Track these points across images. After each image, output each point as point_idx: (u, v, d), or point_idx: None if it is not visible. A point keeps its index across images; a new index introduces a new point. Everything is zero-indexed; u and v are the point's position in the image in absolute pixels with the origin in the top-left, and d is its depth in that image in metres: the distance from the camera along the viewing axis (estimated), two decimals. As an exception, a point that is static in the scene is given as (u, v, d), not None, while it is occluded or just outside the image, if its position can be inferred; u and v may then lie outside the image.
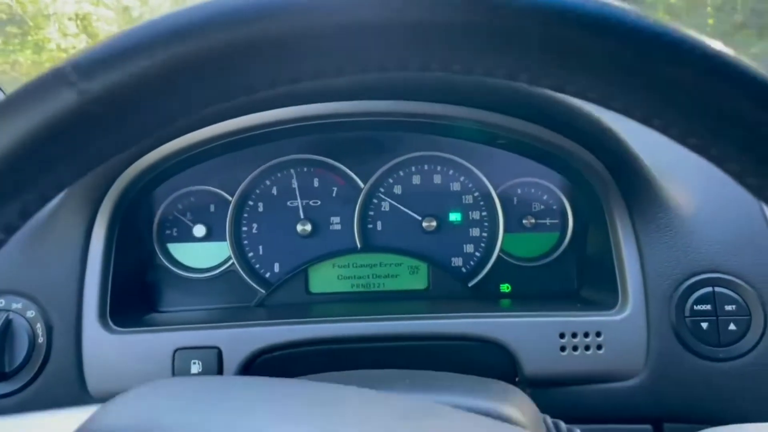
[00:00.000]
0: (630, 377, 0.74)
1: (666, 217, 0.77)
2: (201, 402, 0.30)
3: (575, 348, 0.74)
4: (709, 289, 0.75)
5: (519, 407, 0.50)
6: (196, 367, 0.72)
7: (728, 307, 0.74)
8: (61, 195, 0.77)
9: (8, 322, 0.72)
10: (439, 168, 0.92)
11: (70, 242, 0.76)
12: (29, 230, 0.76)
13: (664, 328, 0.74)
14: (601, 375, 0.75)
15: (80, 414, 0.29)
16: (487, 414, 0.45)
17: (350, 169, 0.91)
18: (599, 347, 0.74)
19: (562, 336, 0.74)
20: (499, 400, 0.49)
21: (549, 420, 0.53)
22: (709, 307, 0.74)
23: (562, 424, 0.52)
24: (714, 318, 0.74)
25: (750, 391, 0.73)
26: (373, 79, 0.73)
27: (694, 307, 0.74)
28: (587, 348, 0.74)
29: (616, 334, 0.74)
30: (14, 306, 0.73)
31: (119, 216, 0.79)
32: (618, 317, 0.75)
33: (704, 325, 0.74)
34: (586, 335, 0.74)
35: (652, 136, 0.77)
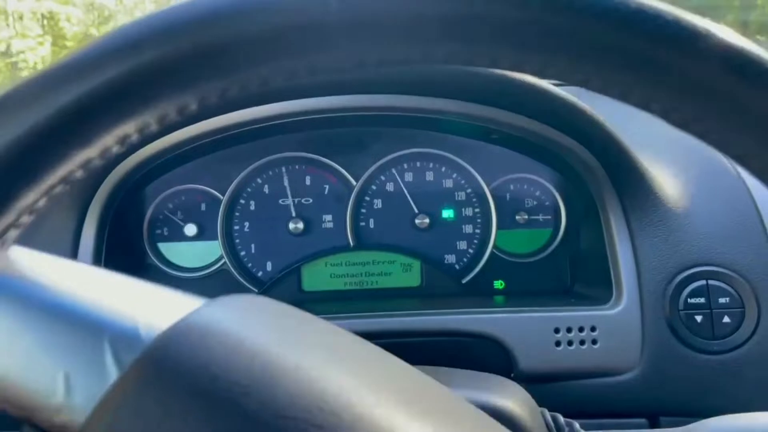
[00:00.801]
0: (625, 371, 0.74)
1: (659, 212, 0.77)
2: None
3: (570, 343, 0.74)
4: (703, 282, 0.75)
5: (517, 401, 0.50)
6: (188, 367, 0.71)
7: (722, 300, 0.74)
8: None
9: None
10: (431, 165, 0.92)
11: (60, 243, 0.75)
12: None
13: (659, 321, 0.74)
14: (596, 369, 0.75)
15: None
16: (484, 408, 0.45)
17: (342, 167, 0.91)
18: (594, 342, 0.74)
19: (556, 331, 0.74)
20: (496, 393, 0.49)
21: (547, 414, 0.52)
22: (703, 300, 0.75)
23: (561, 418, 0.52)
24: (708, 311, 0.74)
25: (745, 383, 0.74)
26: (364, 73, 0.73)
27: (688, 300, 0.74)
28: (582, 343, 0.74)
29: (611, 329, 0.74)
30: None
31: (109, 216, 0.78)
32: (612, 311, 0.75)
33: (698, 318, 0.74)
34: (580, 330, 0.74)
35: (646, 131, 0.77)
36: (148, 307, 0.28)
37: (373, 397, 0.25)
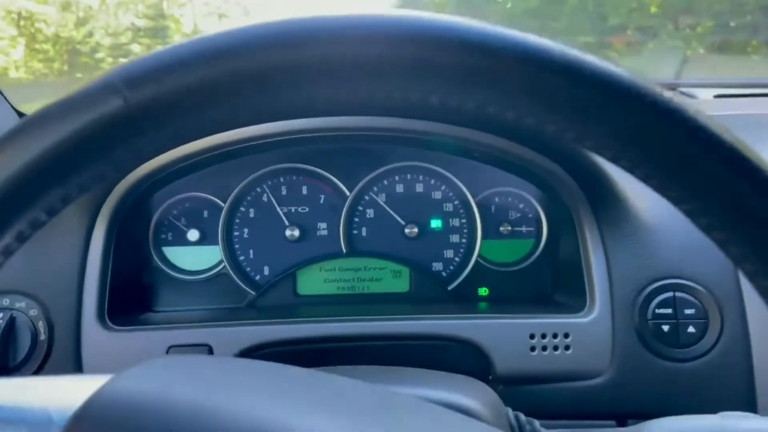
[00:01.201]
0: (596, 376, 0.79)
1: (631, 227, 0.82)
2: (207, 380, 0.33)
3: (544, 348, 0.79)
4: (671, 293, 0.80)
5: (482, 400, 0.55)
6: (188, 364, 0.76)
7: (687, 311, 0.79)
8: None
9: (12, 320, 0.76)
10: (421, 177, 0.97)
11: (71, 245, 0.81)
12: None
13: (628, 330, 0.79)
14: (568, 374, 0.80)
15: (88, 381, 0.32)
16: (451, 406, 0.50)
17: (337, 178, 0.96)
18: (567, 348, 0.79)
19: (532, 337, 0.79)
20: (461, 392, 0.54)
21: (511, 413, 0.58)
22: (670, 310, 0.79)
23: (522, 416, 0.57)
24: (674, 321, 0.79)
25: (707, 390, 0.78)
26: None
27: (656, 310, 0.79)
28: (555, 348, 0.79)
29: (583, 336, 0.79)
30: (18, 305, 0.77)
31: (118, 221, 0.83)
32: (585, 320, 0.80)
33: (665, 327, 0.79)
34: (554, 336, 0.79)
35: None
36: (57, 395, 0.31)
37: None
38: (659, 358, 0.79)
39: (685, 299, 0.79)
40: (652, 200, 0.85)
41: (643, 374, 0.79)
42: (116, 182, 0.82)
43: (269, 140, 0.82)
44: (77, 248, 0.81)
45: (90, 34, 3.29)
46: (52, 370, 0.77)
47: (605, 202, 0.83)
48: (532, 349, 0.79)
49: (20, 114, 1.04)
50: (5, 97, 1.03)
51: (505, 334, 0.79)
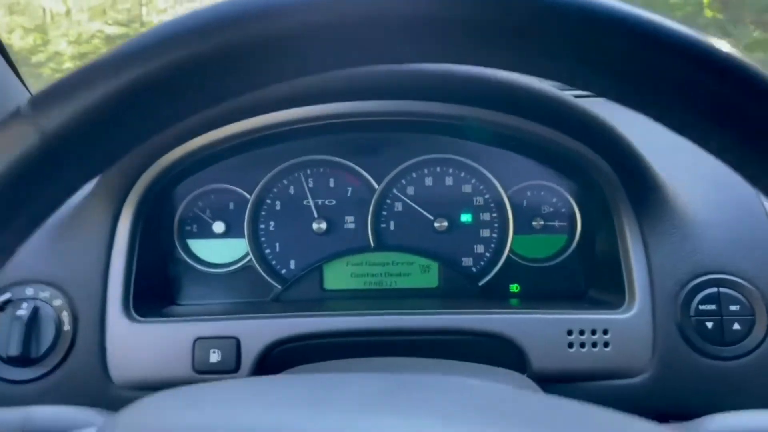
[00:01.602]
0: (636, 374, 0.76)
1: (672, 219, 0.79)
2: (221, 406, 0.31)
3: (582, 345, 0.76)
4: (714, 289, 0.77)
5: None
6: (215, 356, 0.74)
7: (732, 307, 0.76)
8: (87, 189, 0.80)
9: (36, 310, 0.75)
10: (451, 170, 0.95)
11: (96, 236, 0.79)
12: (57, 223, 0.79)
13: (670, 326, 0.76)
14: (607, 372, 0.77)
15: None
16: None
17: (365, 170, 0.94)
18: (606, 345, 0.76)
19: (569, 333, 0.76)
20: (506, 383, 0.52)
21: None
22: (714, 306, 0.76)
23: None
24: (719, 318, 0.76)
25: (753, 388, 0.75)
26: (387, 79, 0.76)
27: (699, 306, 0.76)
28: (594, 345, 0.76)
29: (623, 332, 0.76)
30: (42, 295, 0.76)
31: (143, 212, 0.82)
32: (625, 316, 0.77)
33: (709, 324, 0.76)
34: (593, 333, 0.76)
35: (660, 139, 0.79)
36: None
37: None
38: (702, 356, 0.76)
39: (730, 295, 0.76)
40: (693, 191, 0.82)
41: (685, 372, 0.76)
42: (141, 172, 0.80)
43: (296, 127, 0.80)
44: (103, 238, 0.79)
45: (45, 42, 3.06)
46: (75, 362, 0.75)
47: (644, 193, 0.80)
48: (570, 345, 0.76)
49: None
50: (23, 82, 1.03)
51: (542, 330, 0.76)
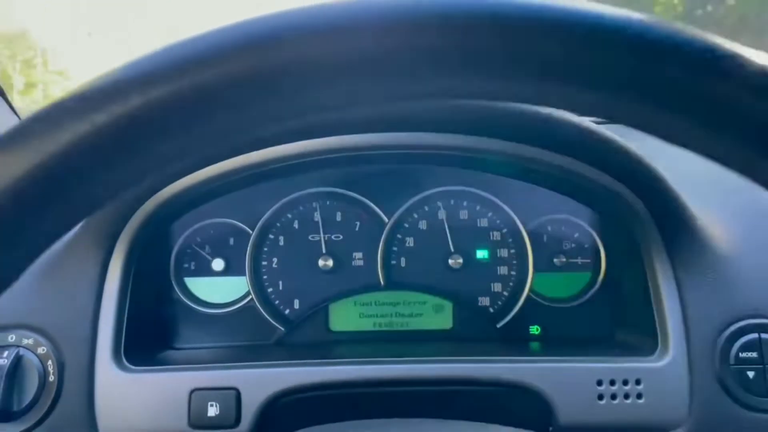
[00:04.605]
0: (672, 428, 0.70)
1: (708, 258, 0.73)
2: None
3: (614, 396, 0.70)
4: (755, 335, 0.71)
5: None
6: (213, 410, 0.68)
7: None
8: (76, 228, 0.74)
9: (18, 359, 0.69)
10: (465, 203, 0.89)
11: (86, 276, 0.74)
12: (43, 263, 0.73)
13: (708, 376, 0.70)
14: (641, 426, 0.70)
15: None
16: None
17: (374, 204, 0.88)
18: (639, 396, 0.70)
19: (599, 383, 0.70)
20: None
21: None
22: (755, 354, 0.71)
23: None
24: (761, 366, 0.70)
25: None
26: (398, 110, 0.71)
27: (740, 354, 0.70)
28: (626, 396, 0.70)
29: (657, 382, 0.70)
30: (25, 341, 0.70)
31: (137, 249, 0.76)
32: (659, 364, 0.71)
33: (750, 373, 0.70)
34: (625, 383, 0.70)
35: (692, 172, 0.73)
36: None
37: None
38: (744, 409, 0.70)
39: None
40: (728, 228, 0.76)
41: (725, 427, 0.70)
42: (136, 208, 0.75)
43: (302, 160, 0.75)
44: (92, 279, 0.74)
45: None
46: (61, 416, 0.69)
47: (678, 230, 0.74)
48: (600, 397, 0.70)
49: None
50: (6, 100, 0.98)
51: (569, 380, 0.70)
